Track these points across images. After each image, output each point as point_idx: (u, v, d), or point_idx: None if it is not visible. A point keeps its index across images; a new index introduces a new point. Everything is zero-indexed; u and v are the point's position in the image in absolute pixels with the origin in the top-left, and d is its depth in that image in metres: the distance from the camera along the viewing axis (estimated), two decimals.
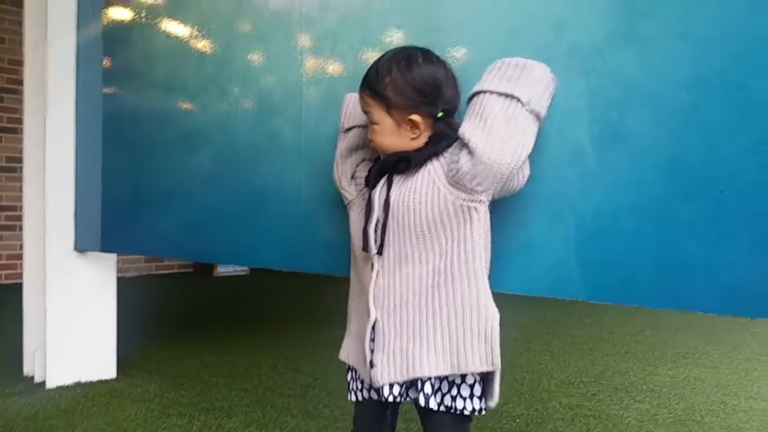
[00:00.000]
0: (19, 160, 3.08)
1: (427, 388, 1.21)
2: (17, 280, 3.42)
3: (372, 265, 1.24)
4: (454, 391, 1.21)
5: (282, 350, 3.25)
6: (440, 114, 1.21)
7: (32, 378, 2.65)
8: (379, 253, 1.22)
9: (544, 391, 2.66)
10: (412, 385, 1.24)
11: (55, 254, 2.58)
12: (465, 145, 1.15)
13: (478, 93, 1.19)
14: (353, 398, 1.36)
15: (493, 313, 1.18)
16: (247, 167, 1.91)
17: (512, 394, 2.58)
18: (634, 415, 2.38)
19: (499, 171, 1.14)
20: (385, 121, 1.22)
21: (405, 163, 1.21)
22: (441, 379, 1.21)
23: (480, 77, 1.23)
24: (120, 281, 2.77)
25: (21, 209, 2.81)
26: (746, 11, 1.12)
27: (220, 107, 2.01)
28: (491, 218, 1.21)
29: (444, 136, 1.21)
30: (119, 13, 2.43)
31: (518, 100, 1.15)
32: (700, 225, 1.16)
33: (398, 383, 1.22)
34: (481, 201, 1.17)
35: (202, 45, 2.10)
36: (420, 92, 1.19)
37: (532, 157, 1.19)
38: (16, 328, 2.78)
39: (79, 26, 2.59)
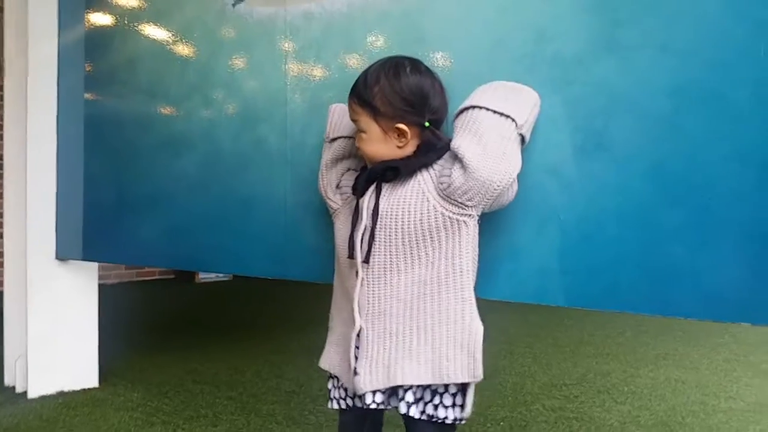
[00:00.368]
0: (0, 166, 3.05)
1: (409, 396, 1.22)
2: None
3: (357, 273, 1.25)
4: (437, 400, 1.22)
5: (266, 357, 3.24)
6: (427, 123, 1.22)
7: (13, 388, 2.62)
8: (366, 261, 1.23)
9: (527, 393, 2.69)
10: (394, 392, 1.25)
11: (37, 262, 2.55)
12: (458, 160, 1.17)
13: (470, 107, 1.20)
14: (335, 406, 1.37)
15: (477, 328, 1.20)
16: (232, 175, 1.91)
17: (496, 398, 2.60)
18: (617, 417, 2.41)
19: (491, 188, 1.15)
20: (372, 129, 1.23)
21: (392, 172, 1.22)
22: (423, 387, 1.22)
23: (462, 87, 1.26)
24: (101, 288, 2.75)
25: (1, 216, 2.77)
26: (723, 22, 1.15)
27: (204, 114, 2.01)
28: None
29: (432, 147, 1.22)
30: (101, 19, 2.41)
31: (513, 120, 1.17)
32: (683, 231, 1.18)
33: (380, 391, 1.23)
34: (470, 215, 1.19)
35: (186, 51, 2.09)
36: (407, 101, 1.21)
37: None
38: None
39: (60, 31, 2.58)
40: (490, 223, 1.28)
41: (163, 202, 2.15)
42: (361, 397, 1.26)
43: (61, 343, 2.60)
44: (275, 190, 1.78)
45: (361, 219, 1.25)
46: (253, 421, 2.30)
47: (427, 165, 1.22)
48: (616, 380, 2.93)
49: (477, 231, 1.23)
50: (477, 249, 1.24)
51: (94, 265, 2.69)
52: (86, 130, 2.45)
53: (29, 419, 2.28)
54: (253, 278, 5.83)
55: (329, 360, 1.36)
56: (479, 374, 1.19)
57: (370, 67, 1.26)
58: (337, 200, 1.39)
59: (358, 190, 1.28)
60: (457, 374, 1.19)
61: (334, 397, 1.37)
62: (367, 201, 1.25)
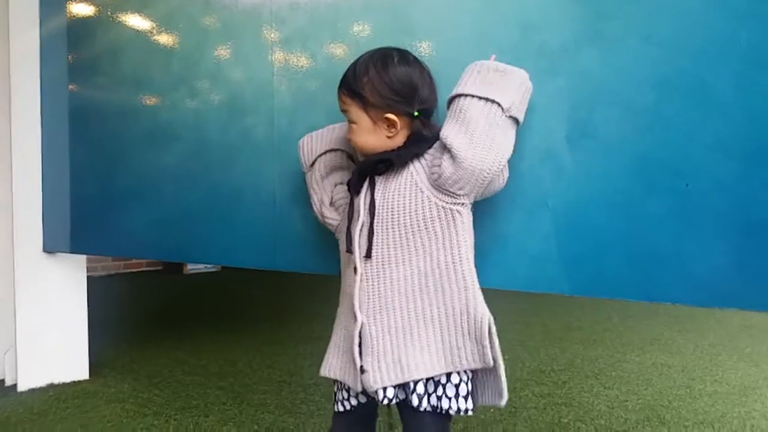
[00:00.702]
0: None
1: (420, 388, 1.21)
2: None
3: (355, 269, 1.25)
4: (440, 391, 1.22)
5: (257, 347, 3.25)
6: (417, 113, 1.23)
7: (3, 381, 2.61)
8: (368, 256, 1.23)
9: (516, 380, 2.71)
10: (404, 385, 1.23)
11: (24, 255, 2.54)
12: (447, 150, 1.17)
13: (458, 96, 1.20)
14: (340, 408, 1.34)
15: (482, 314, 1.19)
16: (220, 166, 1.91)
17: None
18: (605, 402, 2.44)
19: (481, 176, 1.16)
20: (362, 120, 1.24)
21: (384, 164, 1.23)
22: (428, 378, 1.22)
23: (448, 77, 1.27)
24: (89, 280, 2.74)
25: None
26: (705, 12, 1.16)
27: (190, 105, 2.00)
28: None
29: (423, 137, 1.23)
30: (83, 9, 2.39)
31: (499, 105, 1.17)
32: (668, 218, 1.20)
33: (392, 386, 1.22)
34: (463, 204, 1.20)
35: (170, 42, 2.08)
36: (396, 91, 1.22)
37: None
38: None
39: (41, 21, 2.55)
40: (480, 211, 1.29)
41: (151, 193, 2.14)
42: (367, 394, 1.25)
43: (51, 336, 2.60)
44: (264, 181, 1.78)
45: (359, 215, 1.26)
46: (245, 411, 2.31)
47: (418, 155, 1.23)
48: (603, 365, 2.97)
49: (471, 219, 1.24)
50: (473, 237, 1.25)
51: (83, 257, 2.68)
52: (71, 122, 2.43)
53: (19, 412, 2.28)
54: (241, 268, 5.83)
55: (328, 365, 1.33)
56: (490, 360, 1.18)
57: (359, 59, 1.27)
58: (335, 216, 1.40)
59: (353, 187, 1.29)
60: (469, 361, 1.19)
61: (339, 399, 1.34)
62: (363, 196, 1.26)
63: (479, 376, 1.26)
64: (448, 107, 1.23)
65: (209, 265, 6.33)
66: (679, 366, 2.98)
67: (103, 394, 2.48)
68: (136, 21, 2.19)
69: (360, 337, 1.23)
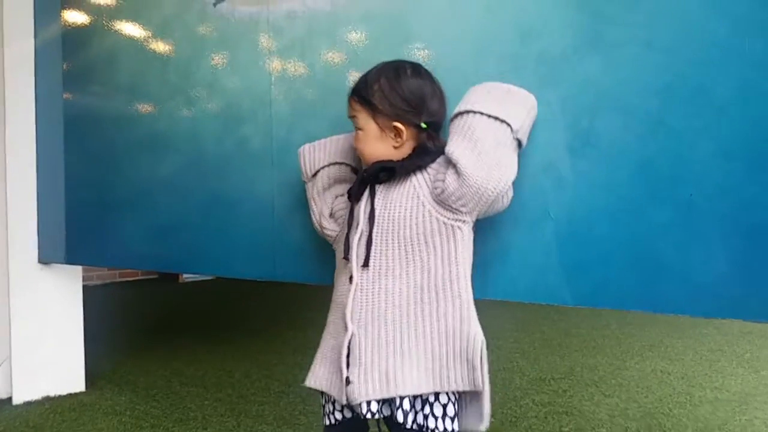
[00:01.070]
0: None
1: (406, 405, 1.18)
2: None
3: (351, 278, 1.23)
4: (427, 410, 1.19)
5: (254, 357, 3.23)
6: (424, 126, 1.22)
7: None
8: (365, 265, 1.21)
9: (516, 389, 2.70)
10: (389, 400, 1.20)
11: (19, 267, 2.52)
12: (453, 166, 1.16)
13: (466, 113, 1.19)
14: (328, 421, 1.30)
15: (475, 335, 1.16)
16: (217, 176, 1.89)
17: None
18: (605, 410, 2.43)
19: (485, 194, 1.15)
20: (369, 127, 1.24)
21: (387, 173, 1.21)
22: (415, 396, 1.19)
23: (448, 86, 1.27)
24: (84, 290, 2.72)
25: None
26: (707, 18, 1.15)
27: (186, 114, 1.98)
28: None
29: (427, 150, 1.22)
30: (78, 17, 2.37)
31: (509, 125, 1.16)
32: (670, 227, 1.18)
33: (376, 400, 1.18)
34: (465, 221, 1.19)
35: (166, 50, 2.07)
36: (405, 101, 1.22)
37: None
38: None
39: (36, 29, 2.54)
40: (481, 222, 1.27)
41: (147, 203, 2.12)
42: (353, 408, 1.22)
43: (46, 348, 2.57)
44: (261, 191, 1.76)
45: (358, 223, 1.24)
46: (243, 423, 2.28)
47: (422, 167, 1.21)
48: (603, 373, 2.95)
49: (472, 237, 1.22)
50: (472, 255, 1.23)
51: (78, 268, 2.66)
52: (66, 131, 2.42)
53: (15, 426, 2.25)
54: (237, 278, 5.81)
55: (314, 376, 1.30)
56: (480, 384, 1.15)
57: (372, 69, 1.28)
58: (334, 228, 1.38)
59: (353, 195, 1.28)
60: (458, 382, 1.16)
61: (326, 413, 1.31)
62: (363, 205, 1.24)
63: (462, 398, 1.24)
64: (451, 122, 1.22)
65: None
66: (679, 373, 2.96)
67: (100, 407, 2.45)
68: (131, 29, 2.18)
69: (349, 347, 1.20)
